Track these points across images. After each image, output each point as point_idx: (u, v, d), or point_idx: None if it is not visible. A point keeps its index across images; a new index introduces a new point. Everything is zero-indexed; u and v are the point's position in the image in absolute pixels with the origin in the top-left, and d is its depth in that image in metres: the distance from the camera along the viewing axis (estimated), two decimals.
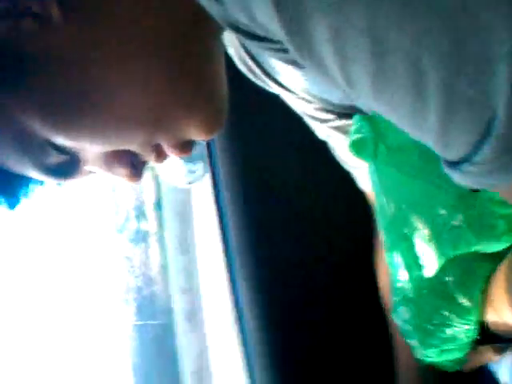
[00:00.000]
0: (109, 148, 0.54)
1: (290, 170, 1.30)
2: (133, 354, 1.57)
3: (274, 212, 1.25)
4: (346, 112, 0.74)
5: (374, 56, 0.33)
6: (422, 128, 0.36)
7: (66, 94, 0.49)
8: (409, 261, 0.60)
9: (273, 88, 0.76)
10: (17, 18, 0.47)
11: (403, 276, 0.62)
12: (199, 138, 0.55)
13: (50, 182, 0.57)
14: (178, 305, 1.63)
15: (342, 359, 1.14)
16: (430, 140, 0.37)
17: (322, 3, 0.32)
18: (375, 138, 0.60)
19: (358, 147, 0.62)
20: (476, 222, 0.55)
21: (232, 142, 1.36)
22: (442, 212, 0.56)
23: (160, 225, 1.80)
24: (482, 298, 0.59)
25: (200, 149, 1.42)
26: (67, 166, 0.55)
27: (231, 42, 0.73)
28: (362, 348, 1.11)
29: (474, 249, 0.57)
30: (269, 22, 0.36)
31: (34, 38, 0.48)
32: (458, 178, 0.39)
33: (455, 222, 0.56)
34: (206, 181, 1.41)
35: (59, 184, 0.59)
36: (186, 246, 1.69)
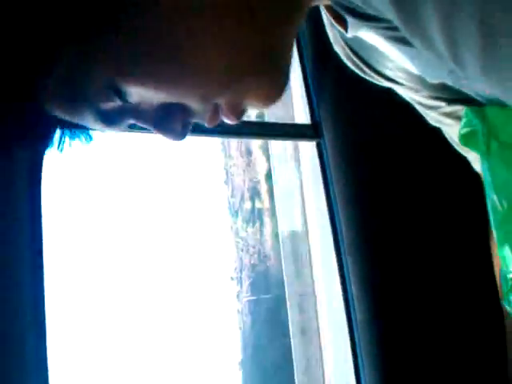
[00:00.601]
0: (171, 98, 0.55)
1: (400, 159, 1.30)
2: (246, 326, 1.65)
3: (384, 199, 1.25)
4: (454, 98, 0.74)
5: (482, 38, 0.34)
6: None
7: (155, 40, 0.51)
8: None
9: (380, 81, 0.77)
10: None
11: None
12: (256, 105, 0.57)
13: (96, 126, 0.57)
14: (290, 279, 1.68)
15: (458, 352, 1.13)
16: None
17: None
18: (487, 134, 0.59)
19: (467, 140, 0.62)
20: None
21: (340, 126, 1.39)
22: None
23: (272, 201, 1.87)
24: None
25: None
26: (117, 114, 0.55)
27: (335, 40, 0.74)
28: (477, 340, 1.10)
29: None
30: (382, 5, 0.38)
31: None
32: None
33: None
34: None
35: (102, 131, 0.59)
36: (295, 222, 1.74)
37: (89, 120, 0.56)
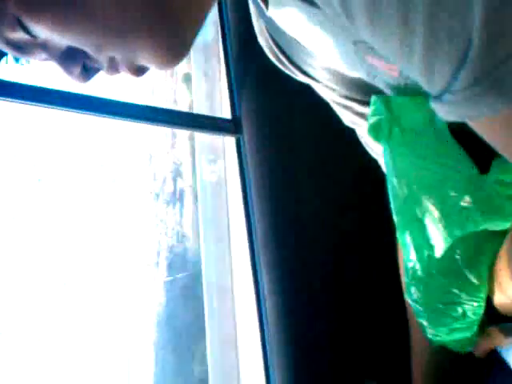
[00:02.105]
0: (67, 42, 0.56)
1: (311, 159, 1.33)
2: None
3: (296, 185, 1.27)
4: (367, 100, 0.76)
5: None
6: (410, 60, 0.39)
7: None
8: (419, 241, 0.62)
9: (300, 77, 0.78)
10: None
11: (413, 256, 0.64)
12: (151, 65, 0.58)
13: (9, 52, 0.60)
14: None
15: (362, 341, 1.16)
16: (417, 72, 0.40)
17: None
18: (390, 120, 0.61)
19: (375, 130, 0.64)
20: (484, 203, 0.57)
21: (260, 122, 1.40)
22: (452, 194, 0.57)
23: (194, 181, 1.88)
24: (490, 275, 0.61)
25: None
26: (28, 46, 0.58)
27: (260, 32, 0.75)
28: (380, 330, 1.14)
29: (481, 228, 0.58)
30: None
31: None
32: (441, 110, 0.42)
33: (464, 203, 0.57)
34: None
35: (16, 59, 0.62)
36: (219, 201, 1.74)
37: (2, 46, 0.58)
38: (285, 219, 1.34)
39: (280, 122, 1.39)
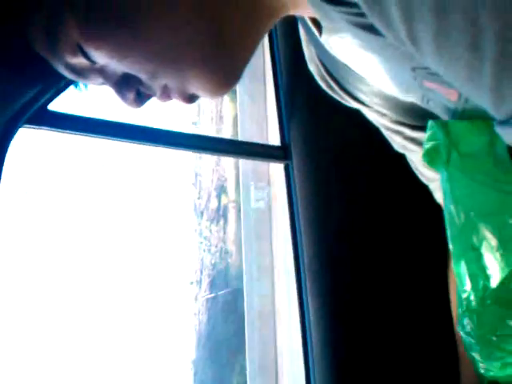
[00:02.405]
0: (124, 68, 0.59)
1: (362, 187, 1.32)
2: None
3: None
4: (418, 124, 0.75)
5: (436, 14, 0.35)
6: (477, 84, 0.38)
7: (110, 12, 0.54)
8: (475, 270, 0.60)
9: (350, 103, 0.79)
10: None
11: (468, 286, 0.62)
12: (202, 93, 0.59)
13: (67, 75, 0.63)
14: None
15: (411, 377, 1.13)
16: (484, 96, 0.39)
17: None
18: (448, 145, 0.60)
19: (431, 156, 0.63)
20: None
21: (310, 149, 1.40)
22: (511, 221, 0.56)
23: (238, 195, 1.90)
24: None
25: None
26: (86, 71, 0.60)
27: (311, 59, 0.76)
28: (430, 365, 1.10)
29: None
30: None
31: None
32: (508, 135, 0.42)
33: None
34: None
35: (76, 83, 0.66)
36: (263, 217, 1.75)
37: (61, 69, 0.61)
38: (333, 248, 1.33)
39: (330, 148, 1.39)
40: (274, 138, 1.82)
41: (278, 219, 1.94)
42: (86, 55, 0.58)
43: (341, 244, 1.32)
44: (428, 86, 0.55)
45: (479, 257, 0.59)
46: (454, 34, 0.35)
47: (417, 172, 0.84)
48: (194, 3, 0.54)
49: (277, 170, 1.91)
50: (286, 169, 1.45)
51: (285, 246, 1.87)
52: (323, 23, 0.61)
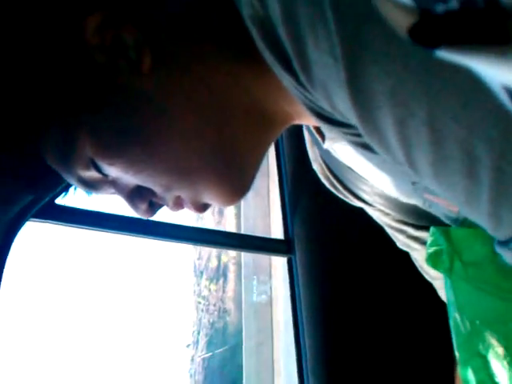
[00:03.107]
0: (138, 182, 0.60)
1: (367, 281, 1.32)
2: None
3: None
4: (421, 224, 0.76)
5: (433, 143, 0.36)
6: (475, 208, 0.39)
7: (124, 130, 0.56)
8: (482, 377, 0.59)
9: (354, 201, 0.80)
10: (115, 56, 0.54)
11: None
12: (214, 203, 0.61)
13: (79, 187, 0.65)
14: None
15: None
16: (483, 219, 0.40)
17: (389, 97, 0.36)
18: (451, 253, 0.60)
19: (434, 260, 0.63)
20: None
21: (313, 244, 1.41)
22: None
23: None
24: None
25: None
26: (98, 183, 0.62)
27: (314, 158, 0.78)
28: None
29: None
30: (346, 110, 0.40)
31: (122, 76, 0.54)
32: (508, 256, 0.42)
33: None
34: None
35: (88, 193, 0.66)
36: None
37: (72, 182, 0.63)
38: (336, 343, 1.31)
39: (334, 243, 1.40)
40: (277, 231, 1.84)
41: (278, 312, 1.92)
42: (99, 170, 0.59)
43: (345, 340, 1.30)
44: (429, 198, 0.56)
45: (486, 364, 0.58)
46: (451, 162, 0.36)
47: (421, 270, 0.84)
48: (204, 119, 0.56)
49: (278, 262, 1.91)
50: (289, 262, 1.46)
51: (285, 339, 1.84)
52: (326, 133, 0.63)
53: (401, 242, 0.82)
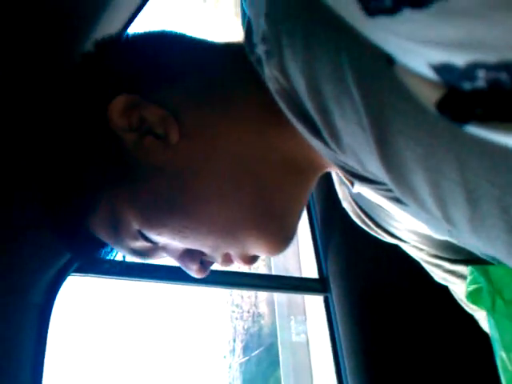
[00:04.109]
0: (187, 246, 0.62)
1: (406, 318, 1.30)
2: None
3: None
4: (457, 258, 0.76)
5: (468, 202, 0.37)
6: None
7: (164, 201, 0.58)
8: None
9: (386, 238, 0.80)
10: (142, 134, 0.57)
11: None
12: (263, 255, 0.63)
13: (132, 257, 0.67)
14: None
15: None
16: None
17: (421, 163, 0.37)
18: (492, 292, 0.60)
19: (474, 297, 0.63)
20: None
21: (348, 281, 1.40)
22: None
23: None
24: None
25: None
26: (150, 251, 0.64)
27: (344, 197, 0.79)
28: None
29: None
30: (377, 171, 0.42)
31: (151, 152, 0.57)
32: None
33: None
34: None
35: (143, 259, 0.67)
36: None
37: (124, 253, 0.66)
38: (378, 380, 1.29)
39: (369, 279, 1.39)
40: (307, 270, 1.84)
41: (315, 352, 1.91)
42: (147, 239, 0.61)
43: (388, 379, 1.28)
44: (466, 241, 0.57)
45: None
46: (489, 219, 0.37)
47: (460, 302, 0.84)
48: (238, 178, 0.57)
49: (312, 301, 1.91)
50: (326, 301, 1.45)
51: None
52: (355, 181, 0.64)
53: (438, 276, 0.82)
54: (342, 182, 0.77)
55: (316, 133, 0.43)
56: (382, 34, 0.32)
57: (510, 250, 0.38)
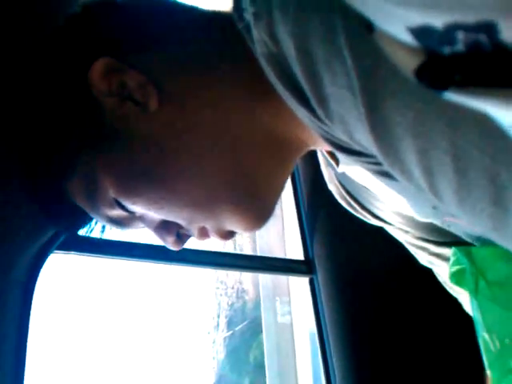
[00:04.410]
0: (163, 218, 0.61)
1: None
2: None
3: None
4: (442, 240, 0.76)
5: (456, 172, 0.36)
6: (503, 234, 0.39)
7: (141, 170, 0.57)
8: None
9: (372, 220, 0.80)
10: (122, 99, 0.56)
11: None
12: (239, 231, 0.62)
13: (110, 226, 0.67)
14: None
15: None
16: (509, 243, 0.40)
17: (410, 129, 0.36)
18: (475, 273, 0.60)
19: (458, 278, 0.63)
20: None
21: (333, 263, 1.41)
22: None
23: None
24: None
25: None
26: (126, 220, 0.63)
27: (330, 179, 0.79)
28: None
29: None
30: (366, 142, 0.41)
31: (130, 119, 0.56)
32: None
33: None
34: None
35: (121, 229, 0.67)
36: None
37: (101, 221, 0.65)
38: (362, 360, 1.30)
39: (355, 261, 1.39)
40: (292, 252, 1.84)
41: (299, 333, 1.91)
42: (124, 208, 0.60)
43: (371, 356, 1.29)
44: (450, 220, 0.56)
45: None
46: (476, 190, 0.37)
47: (444, 285, 0.84)
48: (218, 152, 0.57)
49: (296, 283, 1.91)
50: (311, 283, 1.45)
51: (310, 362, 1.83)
52: (340, 158, 0.64)
53: (423, 258, 0.82)
54: (328, 164, 0.76)
55: (303, 101, 0.42)
56: None
57: (495, 223, 0.38)
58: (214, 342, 4.77)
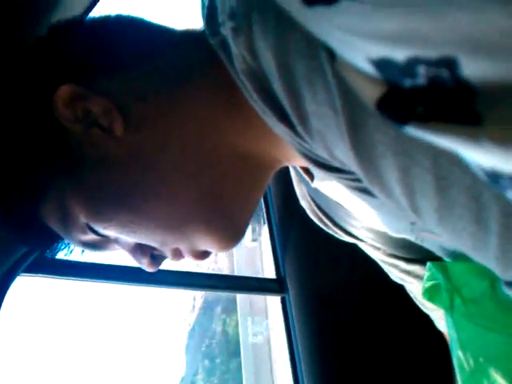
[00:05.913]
0: (136, 240, 0.60)
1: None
2: None
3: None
4: (412, 257, 0.77)
5: (438, 190, 0.36)
6: (483, 253, 0.38)
7: (109, 195, 0.56)
8: None
9: (344, 237, 0.80)
10: (88, 125, 0.54)
11: None
12: (213, 251, 0.62)
13: (85, 250, 0.66)
14: None
15: None
16: (490, 263, 0.39)
17: (391, 147, 0.35)
18: (451, 290, 0.60)
19: (431, 294, 0.63)
20: None
21: (305, 281, 1.40)
22: None
23: None
24: None
25: None
26: (101, 243, 0.62)
27: (302, 196, 0.78)
28: None
29: None
30: (347, 159, 0.40)
31: (98, 144, 0.54)
32: None
33: None
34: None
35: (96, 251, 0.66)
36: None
37: (76, 245, 0.64)
38: (334, 379, 1.30)
39: (325, 279, 1.39)
40: (269, 271, 1.84)
41: (276, 350, 1.91)
42: (96, 233, 0.59)
43: (343, 374, 1.29)
44: (426, 236, 0.56)
45: None
46: (457, 209, 0.36)
47: (416, 301, 0.84)
48: (186, 173, 0.55)
49: (273, 301, 1.90)
50: (283, 301, 1.45)
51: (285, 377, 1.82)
52: (315, 173, 0.63)
53: (395, 275, 0.82)
54: (300, 180, 0.76)
55: (283, 117, 0.41)
56: (322, 25, 0.31)
57: (475, 242, 0.37)
58: (189, 325, 4.84)
